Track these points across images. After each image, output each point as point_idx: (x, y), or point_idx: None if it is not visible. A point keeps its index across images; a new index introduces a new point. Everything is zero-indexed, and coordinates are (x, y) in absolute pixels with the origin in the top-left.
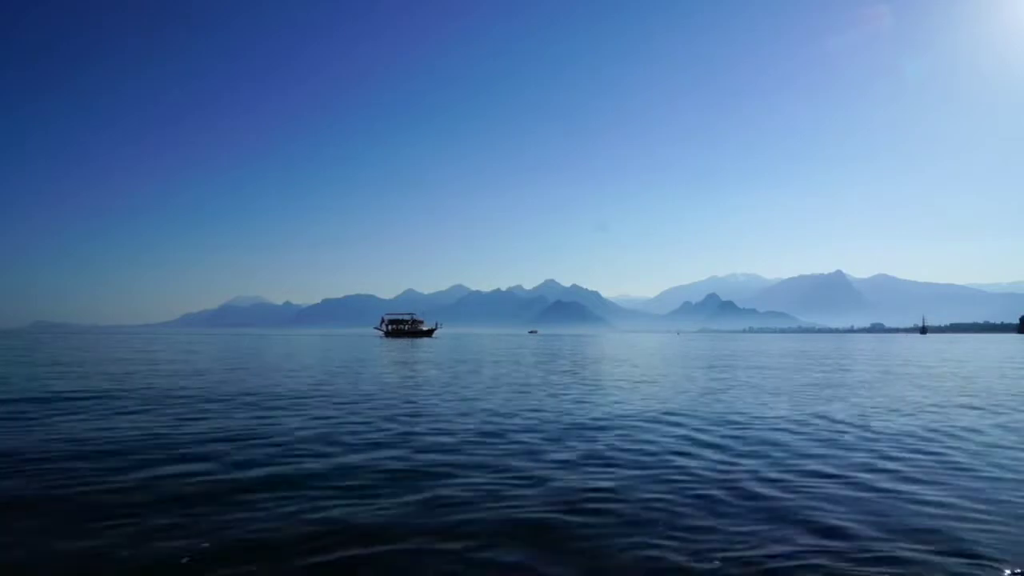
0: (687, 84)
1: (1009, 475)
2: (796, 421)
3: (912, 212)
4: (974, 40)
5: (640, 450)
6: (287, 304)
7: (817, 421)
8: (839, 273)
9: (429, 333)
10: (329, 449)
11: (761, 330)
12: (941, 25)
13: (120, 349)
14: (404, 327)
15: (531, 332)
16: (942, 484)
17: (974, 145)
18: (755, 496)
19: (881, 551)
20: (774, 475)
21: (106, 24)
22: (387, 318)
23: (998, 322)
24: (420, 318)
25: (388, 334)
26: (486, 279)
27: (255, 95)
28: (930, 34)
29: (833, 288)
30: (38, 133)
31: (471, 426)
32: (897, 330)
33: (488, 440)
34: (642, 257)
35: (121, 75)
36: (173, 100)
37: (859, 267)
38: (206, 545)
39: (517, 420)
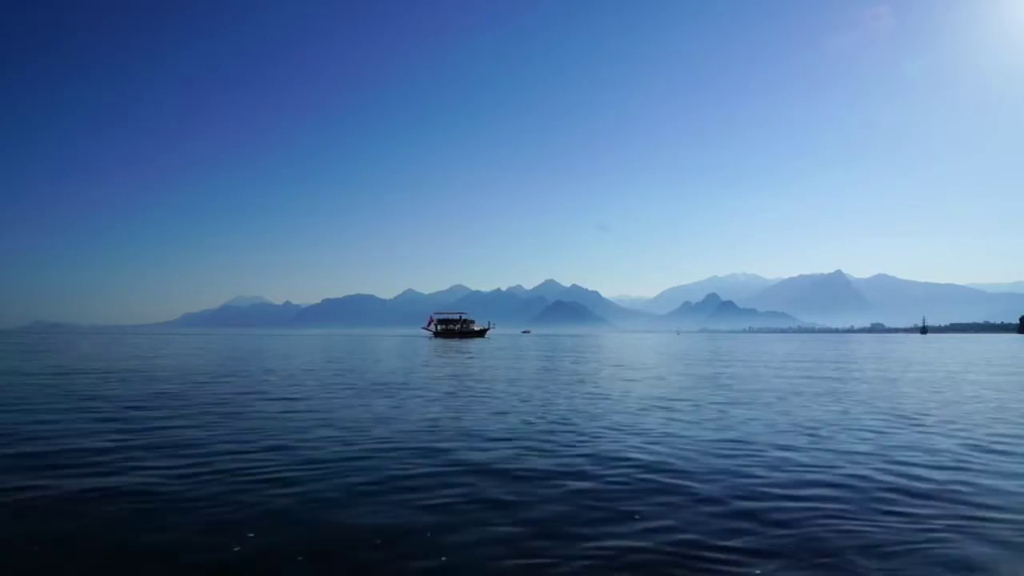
0: (687, 84)
1: None
2: None
3: (912, 212)
4: (974, 40)
5: None
6: (287, 304)
7: None
8: (839, 273)
9: (481, 333)
10: None
11: (761, 330)
12: (941, 25)
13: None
14: (455, 327)
15: (524, 332)
16: None
17: (974, 145)
18: None
19: None
20: None
21: (106, 24)
22: (436, 317)
23: (998, 322)
24: (471, 317)
25: (437, 334)
26: (486, 279)
27: (255, 95)
28: (930, 34)
29: (833, 288)
30: (38, 133)
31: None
32: (897, 330)
33: None
34: (642, 257)
35: (121, 75)
36: (173, 100)
37: (859, 267)
38: None
39: None
